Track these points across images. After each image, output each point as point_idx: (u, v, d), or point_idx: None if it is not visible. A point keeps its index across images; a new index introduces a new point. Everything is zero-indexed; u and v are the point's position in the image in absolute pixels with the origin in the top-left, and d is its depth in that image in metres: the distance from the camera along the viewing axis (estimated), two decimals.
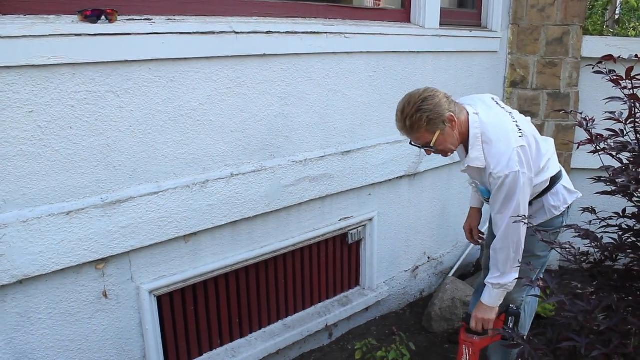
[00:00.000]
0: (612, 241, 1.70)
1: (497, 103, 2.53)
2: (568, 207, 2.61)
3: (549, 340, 1.65)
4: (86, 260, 2.29)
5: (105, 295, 2.42)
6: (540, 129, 4.24)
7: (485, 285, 2.55)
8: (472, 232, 2.93)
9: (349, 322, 3.58)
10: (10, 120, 2.02)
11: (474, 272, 4.35)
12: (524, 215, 2.23)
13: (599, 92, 1.66)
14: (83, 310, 2.37)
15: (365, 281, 3.63)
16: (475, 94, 2.65)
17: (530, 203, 2.54)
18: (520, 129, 2.38)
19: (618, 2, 5.77)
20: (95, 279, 2.38)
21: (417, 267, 3.98)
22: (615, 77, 1.52)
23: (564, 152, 4.22)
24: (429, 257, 4.07)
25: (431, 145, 2.34)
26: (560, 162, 3.92)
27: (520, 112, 3.99)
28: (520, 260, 2.44)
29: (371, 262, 3.60)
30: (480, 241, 2.95)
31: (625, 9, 8.71)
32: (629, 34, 4.81)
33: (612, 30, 4.85)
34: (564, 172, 2.65)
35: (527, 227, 2.37)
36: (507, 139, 2.33)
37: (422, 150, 2.46)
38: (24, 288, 2.18)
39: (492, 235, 2.81)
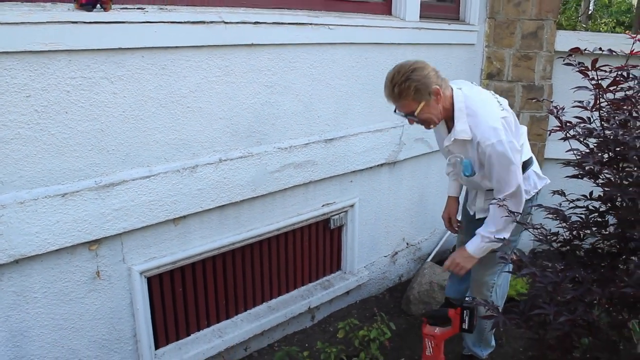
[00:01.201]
0: (579, 219, 1.83)
1: (479, 85, 2.65)
2: (537, 192, 2.74)
3: (521, 311, 1.79)
4: (80, 241, 2.37)
5: (99, 276, 2.50)
6: None
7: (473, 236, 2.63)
8: (450, 220, 3.03)
9: (330, 306, 3.70)
10: (8, 104, 2.09)
11: None
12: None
13: (571, 84, 1.76)
14: (77, 290, 2.45)
15: (347, 265, 3.75)
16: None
17: None
18: (500, 104, 2.51)
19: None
20: (89, 259, 2.46)
21: (396, 253, 4.11)
22: (582, 69, 1.65)
23: (538, 142, 4.38)
24: (407, 243, 4.20)
25: (415, 114, 2.42)
26: (534, 151, 4.08)
27: None
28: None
29: (352, 247, 3.71)
30: (457, 229, 3.07)
31: (599, 5, 8.97)
32: (601, 29, 4.99)
33: (584, 26, 5.02)
34: (534, 159, 2.79)
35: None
36: (491, 110, 2.45)
37: (405, 121, 2.55)
38: (20, 268, 2.25)
39: (466, 219, 2.95)
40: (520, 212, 2.49)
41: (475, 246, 2.61)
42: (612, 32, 5.27)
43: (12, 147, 2.13)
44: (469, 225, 2.91)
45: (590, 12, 5.55)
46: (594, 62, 1.66)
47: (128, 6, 2.40)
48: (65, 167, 2.29)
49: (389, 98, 2.47)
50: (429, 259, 4.29)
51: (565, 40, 4.25)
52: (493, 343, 3.17)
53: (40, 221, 2.23)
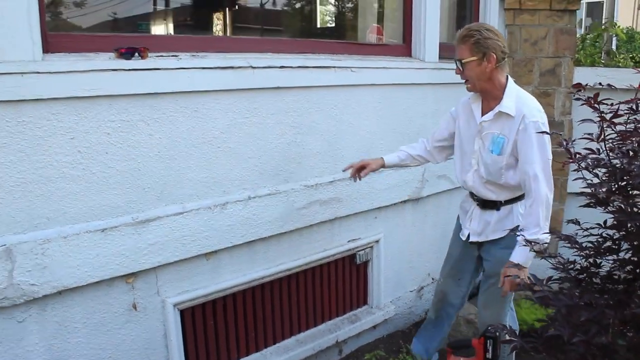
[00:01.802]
0: (591, 245, 1.91)
1: None
2: None
3: (539, 335, 1.86)
4: (118, 274, 2.51)
5: (135, 308, 2.63)
6: None
7: (515, 244, 2.58)
8: (362, 168, 2.94)
9: (357, 340, 3.76)
10: (55, 145, 2.27)
11: (476, 292, 4.52)
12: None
13: (591, 118, 1.88)
14: (114, 321, 2.58)
15: (373, 300, 3.82)
16: None
17: (499, 208, 2.74)
18: None
19: (608, 36, 6.07)
20: (125, 292, 2.59)
21: (422, 288, 4.17)
22: (586, 102, 1.76)
23: (560, 177, 4.44)
24: (433, 278, 4.26)
25: (463, 62, 2.59)
26: (556, 186, 4.16)
27: None
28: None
29: (378, 282, 3.79)
30: (357, 179, 2.98)
31: (622, 41, 9.08)
32: (620, 64, 5.09)
33: (603, 62, 5.12)
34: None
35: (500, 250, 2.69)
36: (538, 105, 2.63)
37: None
38: (62, 299, 2.39)
39: (457, 248, 2.99)
40: (548, 206, 2.54)
41: (524, 256, 2.53)
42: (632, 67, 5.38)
43: (57, 186, 2.30)
44: (461, 255, 2.98)
45: (609, 49, 5.67)
46: (596, 96, 1.77)
47: (163, 54, 2.60)
48: (105, 203, 2.44)
49: (455, 41, 2.66)
50: None
51: (583, 76, 4.35)
52: None
53: (81, 255, 2.37)
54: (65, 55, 2.31)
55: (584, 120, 1.85)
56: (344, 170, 3.04)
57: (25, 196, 2.23)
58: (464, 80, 2.69)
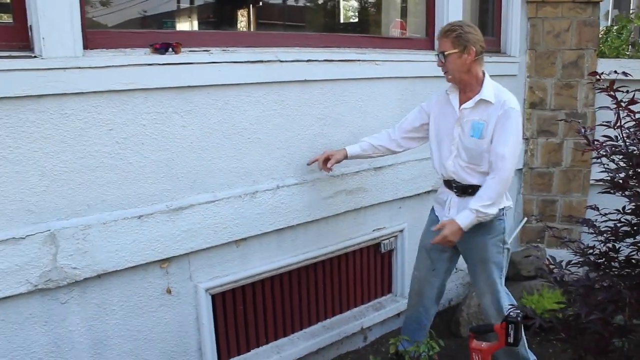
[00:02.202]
0: (608, 228, 1.98)
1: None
2: (504, 210, 2.90)
3: (557, 318, 1.93)
4: (153, 259, 2.63)
5: (169, 292, 2.75)
6: (559, 147, 4.52)
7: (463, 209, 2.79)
8: (327, 160, 3.04)
9: (382, 327, 3.85)
10: (94, 137, 2.40)
11: None
12: None
13: (608, 106, 1.95)
14: (149, 304, 2.70)
15: (397, 288, 3.91)
16: None
17: (473, 194, 2.83)
18: None
19: (634, 28, 6.04)
20: (160, 276, 2.71)
21: None
22: (602, 89, 1.83)
23: (583, 168, 4.47)
24: (456, 268, 4.31)
25: (445, 54, 2.76)
26: (578, 177, 4.21)
27: (539, 132, 4.32)
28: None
29: (402, 271, 3.88)
30: (327, 171, 3.09)
31: None
32: None
33: (627, 53, 5.12)
34: None
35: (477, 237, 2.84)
36: (513, 95, 2.81)
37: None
38: (102, 282, 2.52)
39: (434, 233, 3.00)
40: (505, 185, 2.76)
41: (467, 219, 2.73)
42: None
43: (97, 175, 2.43)
44: (435, 251, 3.08)
45: (635, 41, 5.64)
46: (612, 83, 1.84)
47: (195, 49, 2.71)
48: (141, 192, 2.57)
49: (438, 35, 2.87)
50: None
51: (606, 67, 4.28)
52: (534, 357, 3.21)
53: (119, 240, 2.50)
54: (103, 51, 2.44)
55: (601, 107, 1.91)
56: (308, 164, 3.15)
57: (67, 184, 2.37)
58: (444, 72, 2.87)
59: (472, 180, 2.88)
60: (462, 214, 2.77)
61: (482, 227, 2.86)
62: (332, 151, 3.07)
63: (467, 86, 2.85)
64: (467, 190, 2.90)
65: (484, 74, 2.86)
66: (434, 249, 3.07)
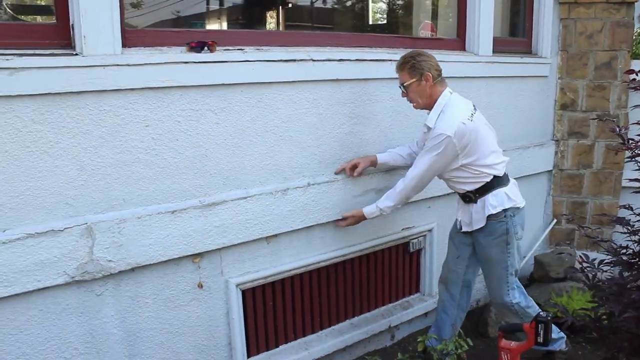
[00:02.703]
0: None
1: (474, 106, 3.02)
2: (506, 213, 3.00)
3: (590, 316, 1.93)
4: (185, 254, 2.68)
5: (201, 286, 2.79)
6: (591, 149, 4.49)
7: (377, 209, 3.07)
8: (354, 167, 3.21)
9: (409, 326, 3.86)
10: (131, 132, 2.45)
11: (528, 284, 4.55)
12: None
13: None
14: (181, 298, 2.75)
15: (425, 288, 3.91)
16: None
17: (475, 201, 3.03)
18: (472, 116, 2.92)
19: None
20: (192, 271, 2.76)
21: None
22: (634, 88, 1.82)
23: (615, 170, 4.43)
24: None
25: (405, 85, 2.92)
26: (610, 180, 4.17)
27: (570, 134, 4.30)
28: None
29: (430, 270, 3.88)
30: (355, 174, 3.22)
31: None
32: None
33: None
34: (512, 184, 3.09)
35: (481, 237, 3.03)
36: (458, 115, 2.87)
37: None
38: (135, 275, 2.57)
39: (455, 229, 3.29)
40: (403, 198, 3.07)
41: (371, 213, 3.09)
42: None
43: (132, 169, 2.48)
44: (458, 239, 3.29)
45: None
46: None
47: (230, 48, 2.75)
48: (175, 187, 2.62)
49: (396, 68, 2.99)
50: None
51: None
52: (562, 334, 3.28)
53: (153, 234, 2.55)
54: (141, 50, 2.49)
55: (636, 106, 1.90)
56: (336, 173, 3.23)
57: (104, 179, 2.42)
58: (411, 103, 3.03)
59: (457, 189, 3.11)
60: (368, 207, 3.10)
61: (484, 229, 3.05)
62: (359, 159, 3.22)
63: (430, 109, 2.99)
64: (465, 198, 3.10)
65: (441, 94, 2.97)
66: (460, 242, 3.27)
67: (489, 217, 2.99)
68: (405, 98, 3.01)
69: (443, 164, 2.92)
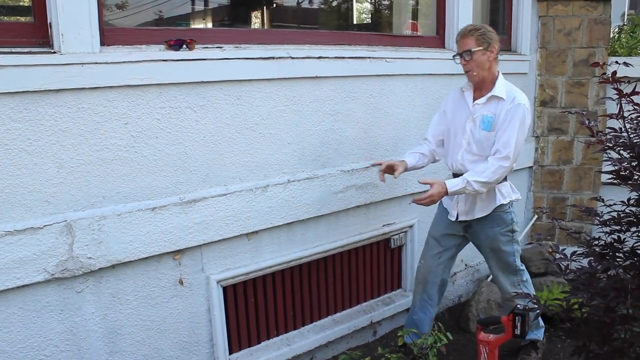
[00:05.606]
0: (611, 217, 2.01)
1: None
2: (511, 202, 3.09)
3: (561, 306, 1.97)
4: (166, 251, 2.69)
5: (181, 283, 2.81)
6: (570, 145, 4.55)
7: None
8: (392, 168, 3.05)
9: (391, 322, 3.89)
10: (110, 130, 2.47)
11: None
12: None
13: (611, 97, 2.00)
14: (162, 294, 2.76)
15: (407, 284, 3.95)
16: None
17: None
18: None
19: None
20: (173, 267, 2.77)
21: (455, 274, 4.27)
22: (602, 80, 1.86)
23: (594, 165, 4.48)
24: (466, 265, 4.36)
25: (472, 50, 2.89)
26: (590, 175, 4.23)
27: (550, 130, 4.36)
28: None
29: (412, 266, 3.91)
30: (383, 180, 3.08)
31: None
32: None
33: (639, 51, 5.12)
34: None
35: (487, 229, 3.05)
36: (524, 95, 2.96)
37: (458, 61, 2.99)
38: (116, 272, 2.59)
39: (440, 230, 3.27)
40: (499, 178, 2.94)
41: (456, 187, 2.90)
42: None
43: (112, 167, 2.50)
44: (446, 230, 3.23)
45: None
46: (614, 74, 1.88)
47: (209, 45, 2.77)
48: (155, 184, 2.63)
49: (460, 36, 2.97)
50: (488, 279, 4.42)
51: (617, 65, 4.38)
52: (542, 323, 3.38)
53: (133, 231, 2.56)
54: (120, 48, 2.50)
55: (603, 98, 1.94)
56: (373, 165, 3.26)
57: (84, 176, 2.44)
58: (465, 71, 2.99)
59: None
60: (453, 180, 2.94)
61: (492, 221, 3.05)
62: (396, 161, 3.09)
63: (484, 84, 3.00)
64: None
65: (498, 73, 3.01)
66: (446, 236, 3.23)
67: (497, 207, 3.04)
68: (463, 67, 2.97)
69: (524, 136, 2.95)
